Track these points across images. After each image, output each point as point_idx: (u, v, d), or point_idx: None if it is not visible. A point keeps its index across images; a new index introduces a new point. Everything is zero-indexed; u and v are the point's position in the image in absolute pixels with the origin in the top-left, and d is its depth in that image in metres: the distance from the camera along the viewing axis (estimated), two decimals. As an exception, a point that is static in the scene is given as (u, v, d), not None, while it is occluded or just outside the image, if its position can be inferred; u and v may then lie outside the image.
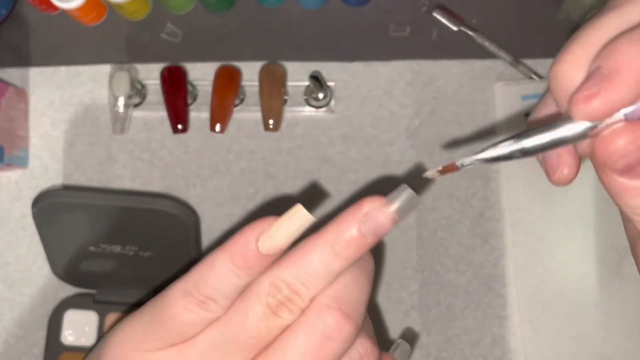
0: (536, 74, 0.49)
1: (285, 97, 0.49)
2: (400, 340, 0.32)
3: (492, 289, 0.48)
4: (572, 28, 0.50)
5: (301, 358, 0.24)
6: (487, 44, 0.49)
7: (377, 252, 0.48)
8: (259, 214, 0.48)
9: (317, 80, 0.49)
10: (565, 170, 0.24)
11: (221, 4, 0.50)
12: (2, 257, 0.49)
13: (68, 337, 0.47)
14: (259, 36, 0.50)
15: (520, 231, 0.47)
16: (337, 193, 0.48)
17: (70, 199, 0.45)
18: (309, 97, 0.49)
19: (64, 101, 0.50)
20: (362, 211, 0.25)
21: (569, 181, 0.24)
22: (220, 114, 0.48)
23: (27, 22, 0.51)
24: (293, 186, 0.49)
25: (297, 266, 0.24)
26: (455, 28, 0.50)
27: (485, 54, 0.50)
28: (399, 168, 0.49)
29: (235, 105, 0.49)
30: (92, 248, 0.46)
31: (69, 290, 0.48)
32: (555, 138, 0.21)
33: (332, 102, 0.49)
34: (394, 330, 0.48)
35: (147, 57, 0.50)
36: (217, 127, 0.48)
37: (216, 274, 0.24)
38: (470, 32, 0.50)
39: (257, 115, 0.49)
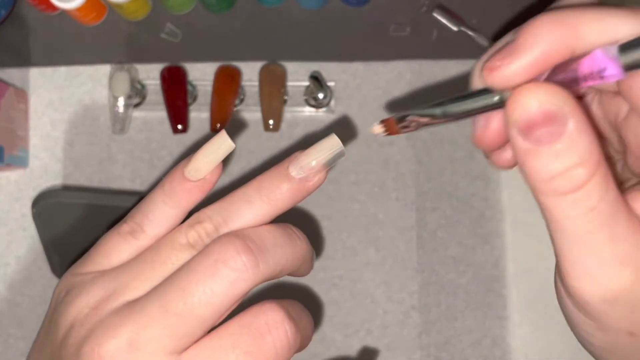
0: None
1: (285, 97, 0.49)
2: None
3: (493, 290, 0.48)
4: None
5: (190, 278, 0.23)
6: (487, 44, 0.49)
7: (377, 252, 0.48)
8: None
9: (317, 80, 0.49)
10: (507, 155, 0.25)
11: (221, 4, 0.50)
12: (1, 257, 0.49)
13: (68, 337, 0.46)
14: (259, 36, 0.50)
15: (521, 231, 0.47)
16: (337, 193, 0.48)
17: (70, 199, 0.45)
18: (309, 97, 0.49)
19: (63, 101, 0.50)
20: (290, 158, 0.27)
21: (509, 166, 0.25)
22: (220, 114, 0.48)
23: (27, 22, 0.51)
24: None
25: (221, 203, 0.26)
26: (455, 28, 0.50)
27: (486, 54, 0.50)
28: (399, 168, 0.49)
29: (235, 105, 0.49)
30: (91, 248, 0.45)
31: (69, 290, 0.48)
32: (476, 105, 0.22)
33: (332, 102, 0.49)
34: (394, 330, 0.48)
35: (147, 57, 0.50)
36: (217, 127, 0.48)
37: (148, 202, 0.26)
38: (470, 32, 0.50)
39: (257, 115, 0.49)
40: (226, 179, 0.49)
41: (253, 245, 0.24)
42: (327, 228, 0.48)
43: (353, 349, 0.48)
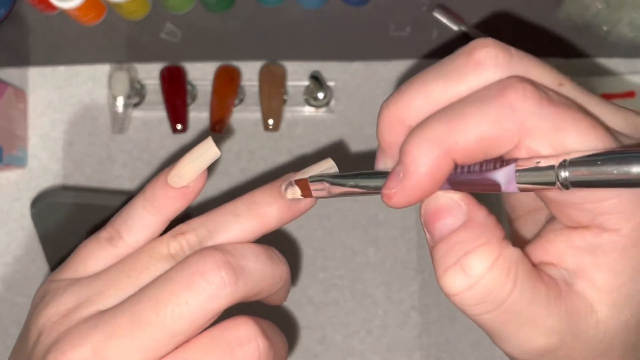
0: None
1: (285, 97, 0.49)
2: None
3: (493, 290, 0.48)
4: (573, 28, 0.50)
5: (165, 288, 0.23)
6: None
7: (377, 252, 0.48)
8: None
9: (317, 80, 0.49)
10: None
11: (221, 4, 0.49)
12: (1, 257, 0.49)
13: (67, 337, 0.46)
14: (259, 36, 0.50)
15: (521, 231, 0.47)
16: (337, 193, 0.48)
17: (69, 199, 0.45)
18: (309, 97, 0.49)
19: (63, 101, 0.50)
20: (283, 179, 0.26)
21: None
22: (219, 114, 0.48)
23: (26, 21, 0.51)
24: (293, 186, 0.49)
25: (208, 215, 0.25)
26: (455, 28, 0.50)
27: (486, 54, 0.50)
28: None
29: (235, 105, 0.49)
30: (91, 248, 0.45)
31: (68, 290, 0.48)
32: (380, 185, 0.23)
33: (332, 102, 0.49)
34: (394, 331, 0.48)
35: (146, 57, 0.50)
36: (217, 127, 0.48)
37: (128, 208, 0.25)
38: (470, 32, 0.50)
39: (256, 115, 0.49)
40: (226, 179, 0.49)
41: (234, 262, 0.23)
42: (327, 228, 0.48)
43: (353, 349, 0.48)
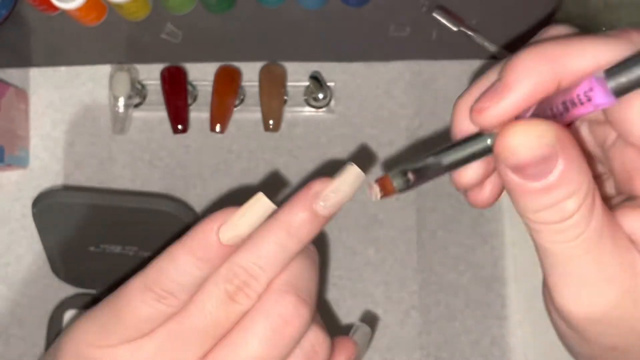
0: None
1: (285, 97, 0.49)
2: (359, 324, 0.32)
3: (492, 289, 0.48)
4: (572, 28, 0.50)
5: (261, 343, 0.24)
6: (487, 44, 0.49)
7: (377, 252, 0.48)
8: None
9: (317, 80, 0.49)
10: (485, 193, 0.25)
11: (221, 4, 0.50)
12: (2, 257, 0.49)
13: (68, 337, 0.47)
14: (259, 36, 0.50)
15: (521, 231, 0.47)
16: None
17: (70, 199, 0.45)
18: (309, 97, 0.49)
19: (64, 101, 0.50)
20: (312, 191, 0.25)
21: (488, 204, 0.25)
22: (220, 114, 0.49)
23: (27, 22, 0.51)
24: (293, 186, 0.49)
25: (253, 250, 0.25)
26: (455, 28, 0.50)
27: (485, 54, 0.50)
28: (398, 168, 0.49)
29: (235, 106, 0.49)
30: (92, 248, 0.46)
31: (69, 290, 0.48)
32: (469, 152, 0.22)
33: (332, 102, 0.49)
34: (393, 330, 0.48)
35: (147, 58, 0.50)
36: (217, 128, 0.48)
37: (176, 267, 0.24)
38: (470, 32, 0.50)
39: (257, 115, 0.49)
40: (226, 179, 0.49)
41: (304, 294, 0.25)
42: (327, 228, 0.48)
43: (353, 349, 0.48)
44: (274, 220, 0.25)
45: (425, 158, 0.24)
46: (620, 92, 0.19)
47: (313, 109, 0.49)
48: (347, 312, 0.48)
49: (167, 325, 0.24)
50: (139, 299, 0.24)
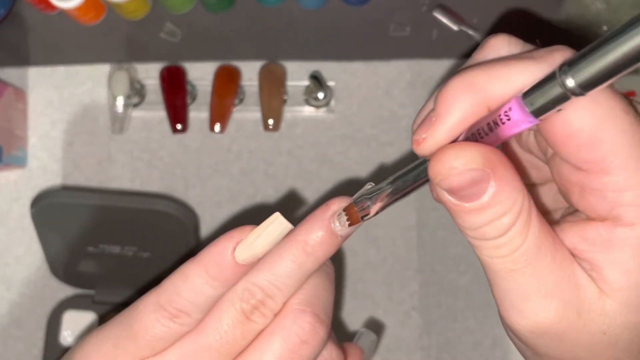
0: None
1: (285, 97, 0.49)
2: (363, 330, 0.32)
3: (493, 290, 0.48)
4: (573, 28, 0.49)
5: None
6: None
7: (377, 252, 0.48)
8: (258, 215, 0.48)
9: (317, 80, 0.48)
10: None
11: (221, 4, 0.49)
12: (1, 257, 0.49)
13: (67, 337, 0.46)
14: (259, 36, 0.50)
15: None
16: (337, 193, 0.48)
17: (69, 199, 0.44)
18: (309, 97, 0.49)
19: (62, 101, 0.50)
20: (330, 210, 0.25)
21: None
22: (219, 114, 0.48)
23: (26, 21, 0.51)
24: (293, 186, 0.49)
25: (270, 269, 0.24)
26: (455, 28, 0.50)
27: (486, 54, 0.50)
28: (398, 168, 0.49)
29: (235, 105, 0.49)
30: (91, 248, 0.45)
31: (68, 290, 0.48)
32: (416, 174, 0.24)
33: (332, 102, 0.49)
34: (394, 331, 0.47)
35: (146, 57, 0.50)
36: (217, 127, 0.48)
37: (190, 286, 0.24)
38: (470, 32, 0.50)
39: (256, 115, 0.49)
40: (225, 179, 0.49)
41: (321, 313, 0.25)
42: (327, 228, 0.48)
43: (353, 350, 0.48)
44: (291, 238, 0.25)
45: (382, 184, 0.25)
46: (539, 112, 0.20)
47: (313, 109, 0.49)
48: (347, 312, 0.48)
49: (182, 343, 0.24)
50: (152, 317, 0.24)
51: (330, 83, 0.49)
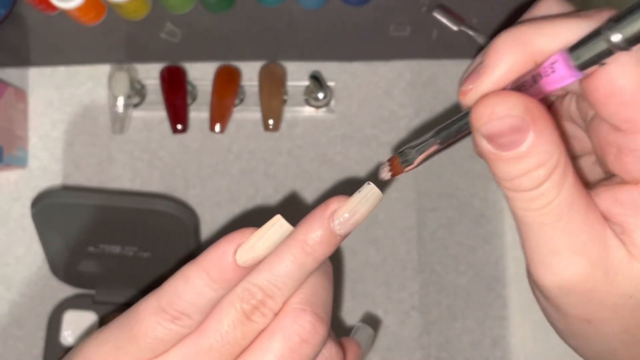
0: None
1: (285, 97, 0.49)
2: (360, 324, 0.32)
3: (493, 290, 0.48)
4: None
5: None
6: (487, 44, 0.49)
7: (377, 252, 0.48)
8: (258, 215, 0.48)
9: (317, 80, 0.49)
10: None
11: (221, 4, 0.49)
12: (1, 257, 0.49)
13: (67, 337, 0.46)
14: (259, 36, 0.50)
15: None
16: (337, 193, 0.48)
17: (69, 199, 0.45)
18: (309, 97, 0.49)
19: (63, 101, 0.50)
20: (329, 209, 0.25)
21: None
22: (219, 114, 0.48)
23: (27, 22, 0.51)
24: (293, 186, 0.49)
25: (269, 269, 0.24)
26: (455, 28, 0.50)
27: (486, 54, 0.50)
28: (399, 168, 0.49)
29: (235, 105, 0.49)
30: (91, 248, 0.45)
31: (68, 290, 0.48)
32: (461, 124, 0.24)
33: (332, 102, 0.49)
34: (394, 330, 0.48)
35: (146, 57, 0.50)
36: (217, 127, 0.48)
37: (191, 289, 0.24)
38: (470, 32, 0.50)
39: (256, 115, 0.49)
40: (225, 179, 0.49)
41: (321, 312, 0.25)
42: (327, 228, 0.48)
43: (353, 349, 0.48)
44: (290, 238, 0.25)
45: (426, 136, 0.25)
46: (583, 66, 0.20)
47: (313, 109, 0.49)
48: (347, 312, 0.48)
49: (183, 345, 0.24)
50: (153, 319, 0.24)
51: (330, 83, 0.49)
